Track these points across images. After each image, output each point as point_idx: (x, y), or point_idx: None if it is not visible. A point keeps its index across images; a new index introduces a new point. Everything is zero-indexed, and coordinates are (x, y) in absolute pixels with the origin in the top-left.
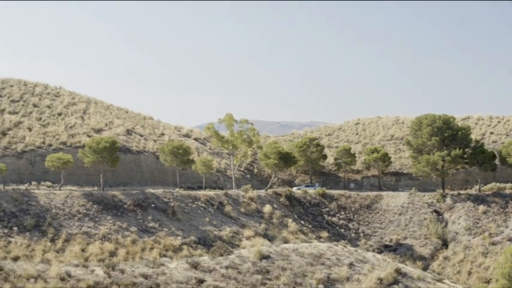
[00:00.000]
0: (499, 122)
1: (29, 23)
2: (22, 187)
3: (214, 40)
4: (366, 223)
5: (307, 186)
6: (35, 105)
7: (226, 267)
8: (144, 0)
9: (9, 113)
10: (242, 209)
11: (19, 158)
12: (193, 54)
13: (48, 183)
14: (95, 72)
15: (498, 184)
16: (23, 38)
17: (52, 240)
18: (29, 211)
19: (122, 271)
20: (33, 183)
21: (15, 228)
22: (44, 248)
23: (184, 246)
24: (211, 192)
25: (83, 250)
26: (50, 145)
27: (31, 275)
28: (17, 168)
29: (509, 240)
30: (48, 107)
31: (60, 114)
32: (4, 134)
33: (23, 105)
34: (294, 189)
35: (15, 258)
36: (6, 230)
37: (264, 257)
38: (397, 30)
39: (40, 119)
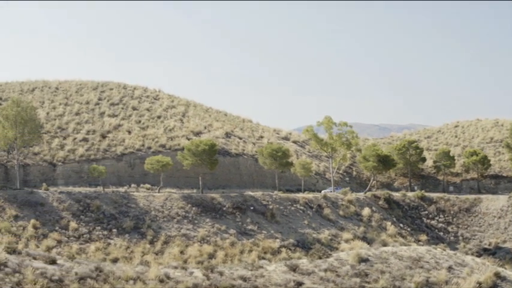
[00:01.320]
0: None
1: (130, 26)
2: (121, 189)
3: (310, 41)
4: (465, 226)
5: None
6: (134, 108)
7: (325, 270)
8: (239, 1)
9: (109, 115)
10: (341, 212)
11: (119, 161)
12: (289, 55)
13: (148, 186)
14: (193, 75)
15: None
16: (124, 41)
17: (151, 242)
18: (128, 213)
19: (221, 273)
20: (132, 185)
21: (115, 230)
22: (143, 250)
23: (283, 249)
24: (310, 195)
25: (181, 252)
26: (149, 148)
27: (130, 277)
28: (117, 170)
29: None
30: (148, 109)
31: (159, 117)
32: (104, 137)
33: (122, 108)
34: (323, 192)
35: (115, 260)
36: (105, 232)
37: (363, 260)
38: (496, 30)
39: (139, 121)
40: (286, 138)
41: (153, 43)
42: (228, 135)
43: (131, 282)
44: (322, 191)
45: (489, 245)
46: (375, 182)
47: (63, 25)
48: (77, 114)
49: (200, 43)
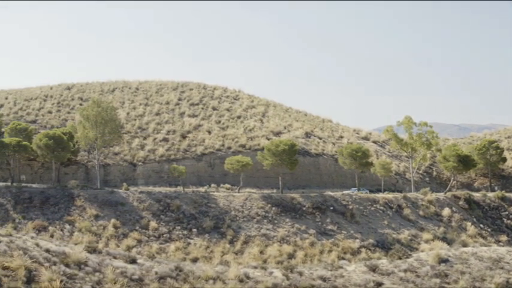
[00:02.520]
0: None
1: (208, 26)
2: (201, 189)
3: (385, 41)
4: None
5: (359, 189)
6: (214, 108)
7: (405, 271)
8: (315, 1)
9: (189, 116)
10: (421, 212)
11: (198, 161)
12: (364, 55)
13: (227, 186)
14: (272, 75)
15: None
16: (204, 41)
17: (231, 242)
18: (208, 213)
19: (300, 273)
20: (212, 185)
21: (195, 230)
22: (222, 250)
23: (363, 249)
24: (389, 195)
25: (261, 252)
26: (229, 148)
27: (210, 277)
28: (197, 170)
29: None
30: (228, 110)
31: (239, 117)
32: (184, 137)
33: (202, 109)
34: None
35: (194, 260)
36: (185, 232)
37: (443, 260)
38: None
39: (219, 122)
40: (366, 138)
41: (232, 43)
42: (307, 135)
43: (211, 282)
44: (345, 191)
45: None
46: (455, 182)
47: (143, 26)
48: (157, 114)
49: (278, 43)
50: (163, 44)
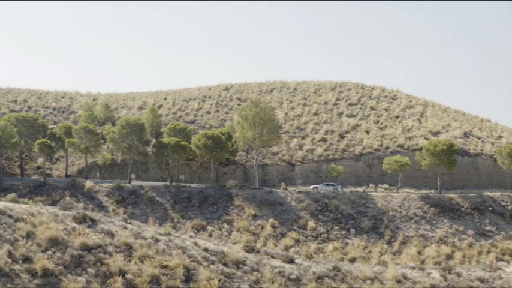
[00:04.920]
0: None
1: (367, 25)
2: (360, 189)
3: None
4: None
5: (327, 185)
6: (372, 108)
7: None
8: (466, 1)
9: (347, 116)
10: None
11: (356, 161)
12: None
13: (385, 186)
14: (430, 74)
15: None
16: (363, 41)
17: (388, 243)
18: (366, 213)
19: (458, 274)
20: (370, 185)
21: (352, 230)
22: (380, 250)
23: None
24: None
25: (419, 253)
26: (387, 148)
27: (367, 277)
28: (355, 170)
29: None
30: (385, 110)
31: (397, 117)
32: (342, 137)
33: (360, 108)
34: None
35: (352, 260)
36: (343, 232)
37: None
38: None
39: (377, 122)
40: None
41: (387, 42)
42: (466, 135)
43: (368, 282)
44: (311, 186)
45: None
46: None
47: (300, 25)
48: (315, 114)
49: (432, 42)
50: (320, 43)
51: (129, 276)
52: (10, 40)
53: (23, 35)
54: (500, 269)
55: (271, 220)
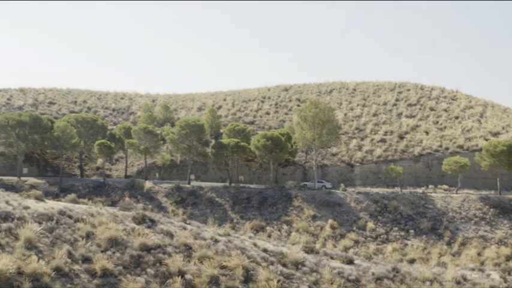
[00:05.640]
0: None
1: (413, 25)
2: (419, 190)
3: None
4: None
5: (318, 182)
6: (431, 109)
7: None
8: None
9: (406, 116)
10: None
11: (416, 162)
12: None
13: (445, 187)
14: (488, 75)
15: None
16: (418, 41)
17: (448, 244)
18: (425, 214)
19: None
20: (429, 186)
21: (412, 231)
22: (439, 251)
23: None
24: None
25: (478, 254)
26: (447, 148)
27: (427, 278)
28: (414, 171)
29: None
30: (445, 110)
31: (456, 118)
32: (401, 138)
33: (419, 109)
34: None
35: (411, 261)
36: (402, 233)
37: None
38: None
39: (437, 122)
40: None
41: (441, 42)
42: None
43: (427, 283)
44: (302, 183)
45: None
46: None
47: (356, 25)
48: (375, 115)
49: (484, 43)
50: (376, 43)
51: (188, 276)
52: (69, 41)
53: (83, 36)
54: None
55: (330, 221)
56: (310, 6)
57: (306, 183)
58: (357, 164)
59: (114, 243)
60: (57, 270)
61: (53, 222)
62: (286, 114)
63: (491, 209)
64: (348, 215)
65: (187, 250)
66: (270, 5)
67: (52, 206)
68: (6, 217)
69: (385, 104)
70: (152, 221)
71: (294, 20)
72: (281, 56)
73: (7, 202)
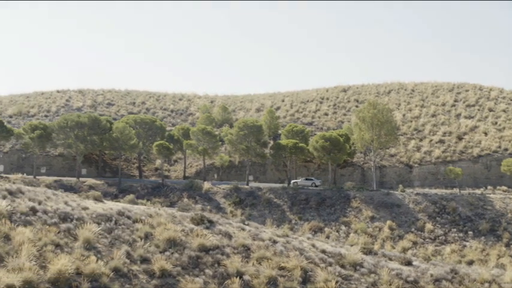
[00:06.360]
0: None
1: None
2: (477, 191)
3: None
4: None
5: (306, 179)
6: (490, 110)
7: None
8: None
9: (465, 117)
10: None
11: (475, 163)
12: None
13: (504, 188)
14: None
15: None
16: (477, 42)
17: (507, 245)
18: (484, 215)
19: None
20: (488, 187)
21: (470, 232)
22: (498, 253)
23: None
24: None
25: None
26: (506, 149)
27: (485, 280)
28: (473, 172)
29: None
30: (504, 111)
31: None
32: (460, 139)
33: (478, 110)
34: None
35: (470, 262)
36: (461, 234)
37: None
38: None
39: (495, 123)
40: None
41: (509, 43)
42: None
43: (486, 285)
44: (292, 181)
45: None
46: None
47: (413, 27)
48: (433, 116)
49: None
50: (433, 44)
51: (246, 277)
52: (127, 42)
53: (141, 37)
54: None
55: (388, 222)
56: (367, 7)
57: (295, 181)
58: (416, 165)
59: (173, 243)
60: (116, 270)
61: (112, 223)
62: (345, 115)
63: None
64: (406, 216)
65: (245, 251)
66: (327, 5)
67: (111, 206)
68: (65, 218)
69: (443, 104)
70: (211, 221)
71: (351, 21)
72: (339, 57)
73: (66, 203)
